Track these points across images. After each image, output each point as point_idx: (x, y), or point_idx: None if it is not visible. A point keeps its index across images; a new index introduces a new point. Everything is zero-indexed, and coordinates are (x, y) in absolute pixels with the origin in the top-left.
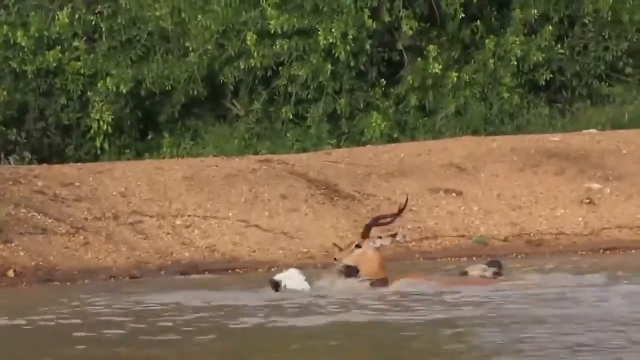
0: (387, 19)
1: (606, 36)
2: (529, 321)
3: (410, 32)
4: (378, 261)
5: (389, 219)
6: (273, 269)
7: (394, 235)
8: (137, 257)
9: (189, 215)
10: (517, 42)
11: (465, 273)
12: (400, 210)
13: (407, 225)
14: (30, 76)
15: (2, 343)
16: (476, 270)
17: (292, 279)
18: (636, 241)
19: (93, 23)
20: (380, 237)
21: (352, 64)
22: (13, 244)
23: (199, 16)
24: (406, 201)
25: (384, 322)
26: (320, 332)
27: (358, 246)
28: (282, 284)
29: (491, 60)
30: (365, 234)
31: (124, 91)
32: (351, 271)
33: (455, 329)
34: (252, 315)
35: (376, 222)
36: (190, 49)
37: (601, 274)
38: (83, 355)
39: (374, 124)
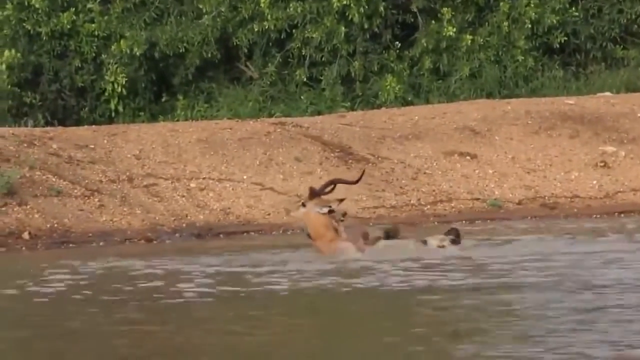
0: None
1: None
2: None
3: None
4: (321, 222)
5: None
6: (288, 232)
7: (340, 200)
8: (152, 220)
9: (203, 178)
10: (532, 5)
11: (424, 242)
12: (358, 180)
13: (422, 188)
14: (44, 38)
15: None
16: (435, 240)
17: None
18: None
19: None
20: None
21: (366, 26)
22: (28, 206)
23: None
24: (362, 173)
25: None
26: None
27: (303, 205)
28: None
29: (505, 23)
30: (311, 196)
31: (137, 53)
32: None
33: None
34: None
35: (324, 188)
36: (204, 11)
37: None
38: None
39: (388, 87)
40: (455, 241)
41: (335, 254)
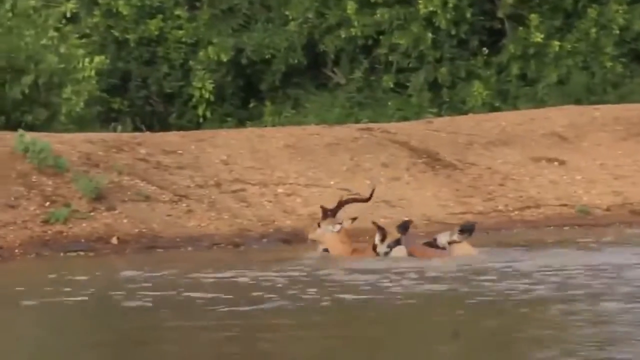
0: None
1: None
2: None
3: (511, 0)
4: (337, 240)
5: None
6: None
7: (353, 219)
8: (240, 225)
9: (290, 184)
10: (620, 11)
11: (434, 240)
12: (369, 198)
13: (509, 194)
14: (132, 45)
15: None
16: (444, 237)
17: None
18: None
19: None
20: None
21: (453, 32)
22: (117, 211)
23: None
24: (373, 190)
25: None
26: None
27: (318, 226)
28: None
29: (593, 29)
30: (324, 216)
31: (225, 60)
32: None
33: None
34: None
35: (338, 207)
36: (291, 17)
37: None
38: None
39: (475, 93)
40: (465, 232)
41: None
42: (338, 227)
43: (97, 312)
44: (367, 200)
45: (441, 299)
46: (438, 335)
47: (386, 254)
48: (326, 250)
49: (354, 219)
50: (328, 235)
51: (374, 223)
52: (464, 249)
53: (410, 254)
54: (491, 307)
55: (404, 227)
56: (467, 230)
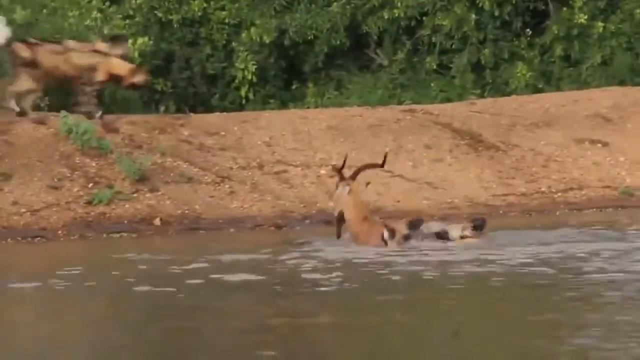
0: None
1: None
2: None
3: None
4: (351, 202)
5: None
6: None
7: (367, 184)
8: (282, 206)
9: (333, 165)
10: None
11: (445, 233)
12: (383, 163)
13: (552, 176)
14: (175, 26)
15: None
16: (456, 231)
17: None
18: None
19: None
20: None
21: (496, 13)
22: (159, 193)
23: None
24: (385, 155)
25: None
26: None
27: (336, 187)
28: None
29: (638, 10)
30: (341, 177)
31: (267, 41)
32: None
33: None
34: None
35: (356, 173)
36: None
37: None
38: None
39: (518, 74)
40: (478, 228)
41: (368, 239)
42: (347, 188)
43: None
44: (382, 165)
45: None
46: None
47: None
48: (341, 215)
49: (368, 183)
50: (344, 197)
51: (383, 222)
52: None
53: None
54: None
55: (415, 225)
56: (480, 226)
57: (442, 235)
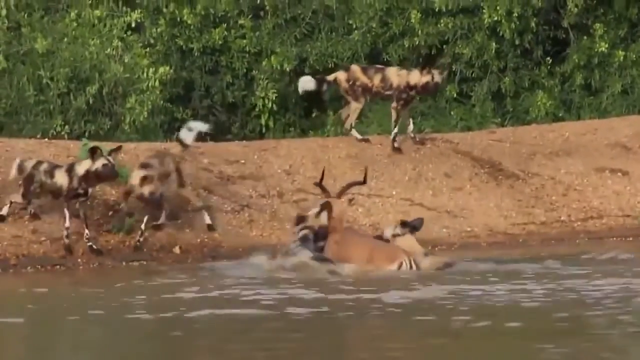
0: None
1: None
2: None
3: (576, 9)
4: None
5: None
6: (436, 248)
7: (351, 200)
8: None
9: (353, 194)
10: None
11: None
12: (364, 180)
13: (572, 205)
14: (196, 54)
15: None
16: (389, 230)
17: None
18: None
19: (258, 1)
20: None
21: (517, 42)
22: (179, 221)
23: None
24: (366, 172)
25: None
26: None
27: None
28: None
29: None
30: (327, 194)
31: (288, 69)
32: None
33: None
34: None
35: (342, 191)
36: (354, 26)
37: None
38: None
39: (539, 103)
40: (406, 226)
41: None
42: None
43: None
44: (363, 182)
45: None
46: None
47: None
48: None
49: (352, 200)
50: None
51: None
52: (408, 243)
53: None
54: None
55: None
56: (409, 224)
57: (380, 237)
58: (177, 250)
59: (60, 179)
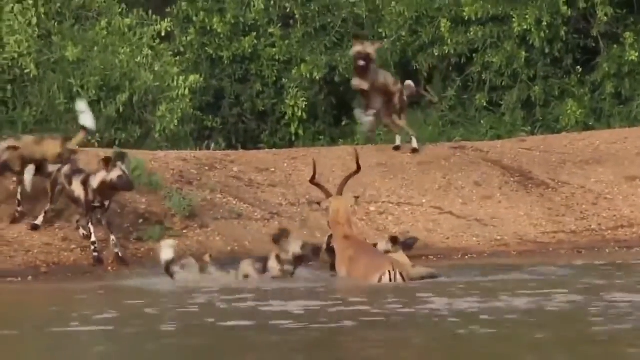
0: (582, 5)
1: None
2: None
3: (606, 18)
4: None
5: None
6: (467, 256)
7: (356, 197)
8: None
9: (382, 202)
10: None
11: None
12: (358, 167)
13: (602, 213)
14: (226, 62)
15: None
16: (382, 245)
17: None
18: None
19: (288, 9)
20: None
21: (547, 50)
22: (209, 229)
23: (393, 3)
24: (357, 157)
25: None
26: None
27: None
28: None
29: None
30: (327, 193)
31: (317, 77)
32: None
33: None
34: None
35: (341, 187)
36: (384, 35)
37: None
38: None
39: (569, 112)
40: (396, 244)
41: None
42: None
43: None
44: (358, 170)
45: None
46: None
47: None
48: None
49: (357, 197)
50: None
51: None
52: (399, 259)
53: None
54: None
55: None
56: (398, 242)
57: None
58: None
59: (77, 189)
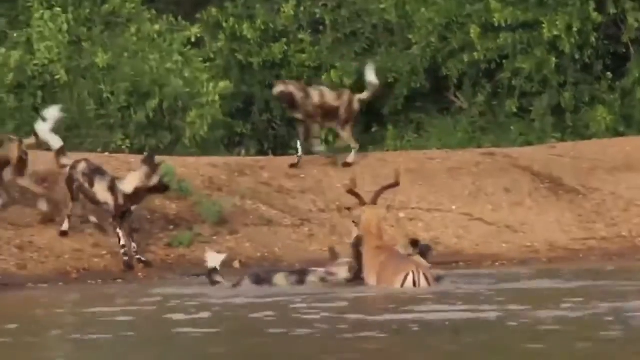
0: (612, 11)
1: None
2: None
3: (636, 24)
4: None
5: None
6: (496, 263)
7: (388, 207)
8: None
9: (412, 208)
10: None
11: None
12: (397, 182)
13: (633, 220)
14: (256, 68)
15: None
16: (402, 249)
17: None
18: None
19: (318, 15)
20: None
21: (577, 56)
22: (239, 235)
23: (423, 9)
24: (397, 174)
25: None
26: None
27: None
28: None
29: None
30: (362, 201)
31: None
32: None
33: None
34: None
35: (376, 197)
36: (414, 41)
37: None
38: None
39: (599, 118)
40: (415, 247)
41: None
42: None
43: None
44: (396, 184)
45: None
46: None
47: None
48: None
49: (389, 206)
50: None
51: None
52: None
53: None
54: None
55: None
56: (417, 244)
57: None
58: (236, 264)
59: (101, 194)
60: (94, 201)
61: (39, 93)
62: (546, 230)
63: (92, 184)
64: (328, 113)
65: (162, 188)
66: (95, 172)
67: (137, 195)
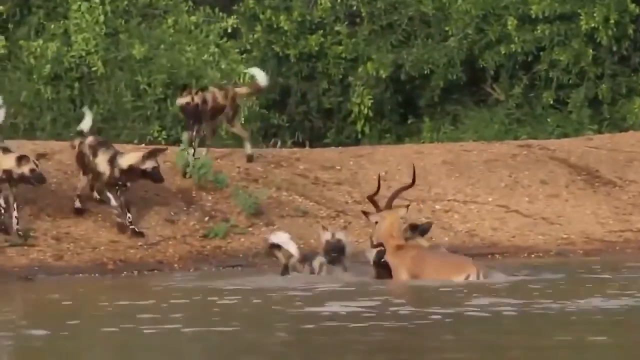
0: None
1: None
2: None
3: None
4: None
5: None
6: (532, 255)
7: (407, 206)
8: None
9: (448, 200)
10: None
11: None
12: (413, 182)
13: None
14: (292, 60)
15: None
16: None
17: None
18: None
19: (354, 7)
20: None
21: (614, 48)
22: (275, 227)
23: (460, 1)
24: (414, 171)
25: None
26: None
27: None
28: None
29: None
30: (377, 207)
31: (384, 76)
32: None
33: None
34: None
35: (391, 200)
36: (450, 33)
37: None
38: None
39: (636, 110)
40: (415, 230)
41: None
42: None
43: None
44: (411, 185)
45: None
46: None
47: None
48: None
49: (408, 206)
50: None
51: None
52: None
53: None
54: None
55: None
56: (416, 228)
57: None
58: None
59: (102, 165)
60: (95, 172)
61: (76, 85)
62: (582, 222)
63: (95, 155)
64: (219, 112)
65: (154, 175)
66: (101, 144)
67: (131, 172)
